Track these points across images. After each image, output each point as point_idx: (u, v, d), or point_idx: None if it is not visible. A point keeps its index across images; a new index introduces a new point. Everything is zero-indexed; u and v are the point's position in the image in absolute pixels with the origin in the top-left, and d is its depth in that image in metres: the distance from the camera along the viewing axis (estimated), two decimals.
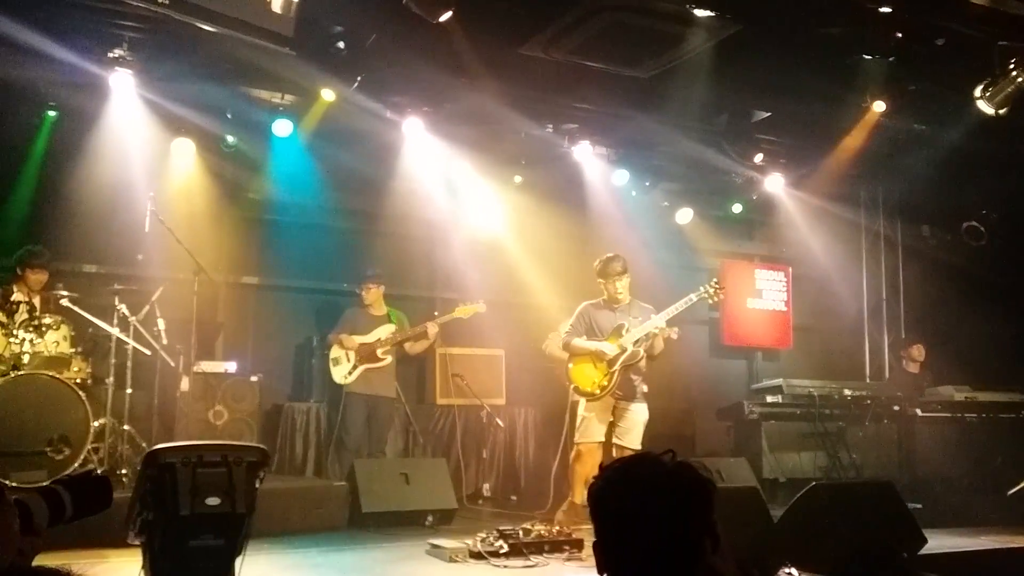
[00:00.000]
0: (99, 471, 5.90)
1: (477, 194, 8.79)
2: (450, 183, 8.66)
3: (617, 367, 6.00)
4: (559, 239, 8.84)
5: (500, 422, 8.27)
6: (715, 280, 6.26)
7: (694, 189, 9.57)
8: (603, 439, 5.99)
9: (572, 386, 6.15)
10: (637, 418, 6.04)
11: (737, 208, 9.95)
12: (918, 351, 9.28)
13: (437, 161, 8.30)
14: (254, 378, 7.68)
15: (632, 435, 6.00)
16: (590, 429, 5.99)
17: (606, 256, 6.17)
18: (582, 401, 6.11)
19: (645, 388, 6.11)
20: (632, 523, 1.78)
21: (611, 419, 6.09)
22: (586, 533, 5.09)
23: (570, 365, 6.21)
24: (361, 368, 7.57)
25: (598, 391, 5.98)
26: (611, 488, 1.83)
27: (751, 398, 8.98)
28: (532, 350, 8.28)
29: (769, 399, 8.77)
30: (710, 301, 6.36)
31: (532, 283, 8.86)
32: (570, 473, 6.19)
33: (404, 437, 8.11)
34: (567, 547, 5.16)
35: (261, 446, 4.03)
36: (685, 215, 9.75)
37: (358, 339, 7.62)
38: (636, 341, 6.00)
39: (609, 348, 6.05)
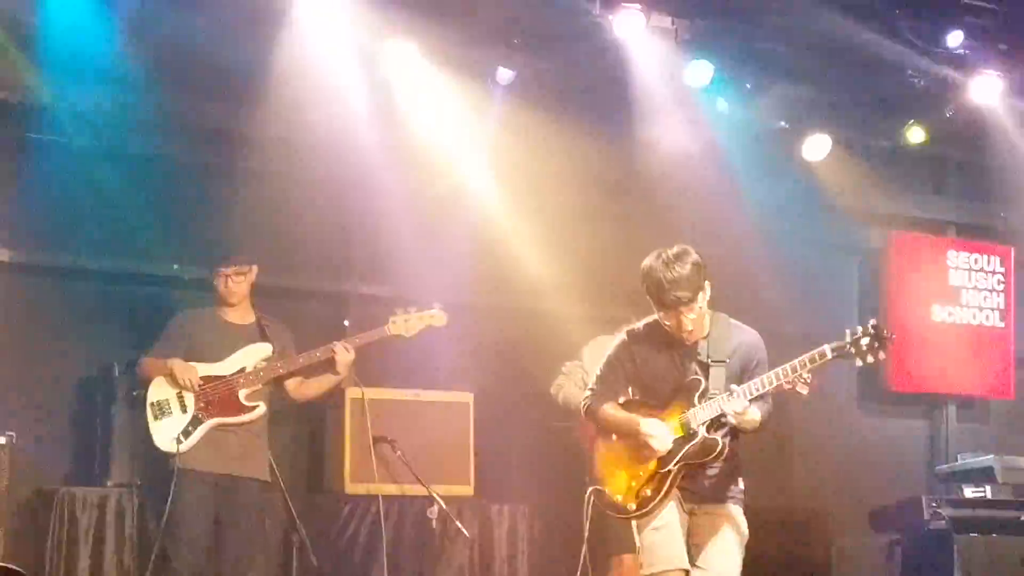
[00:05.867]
0: None
1: (430, 106, 8.46)
2: (380, 85, 8.30)
3: (674, 467, 5.64)
4: (582, 188, 8.75)
5: (464, 529, 7.89)
6: (873, 323, 5.67)
7: (836, 100, 9.12)
8: (686, 566, 5.71)
9: (592, 489, 6.00)
10: (727, 532, 5.75)
11: (917, 136, 9.41)
12: None
13: (354, 42, 7.99)
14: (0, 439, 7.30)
15: (721, 560, 5.71)
16: (662, 552, 5.75)
17: (660, 258, 5.59)
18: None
19: (741, 486, 5.88)
20: None
21: (683, 536, 5.80)
22: None
23: (597, 451, 6.09)
24: (207, 425, 7.13)
25: (633, 505, 5.73)
26: None
27: (935, 489, 9.03)
28: (530, 395, 8.33)
29: (970, 492, 8.67)
30: (860, 362, 5.75)
31: (530, 271, 8.68)
32: None
33: (284, 553, 7.78)
34: None
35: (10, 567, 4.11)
36: (819, 146, 9.22)
37: (203, 369, 7.17)
38: (709, 424, 5.62)
39: (658, 432, 5.66)
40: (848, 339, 5.52)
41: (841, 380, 9.58)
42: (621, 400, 5.91)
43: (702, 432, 5.61)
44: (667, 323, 5.66)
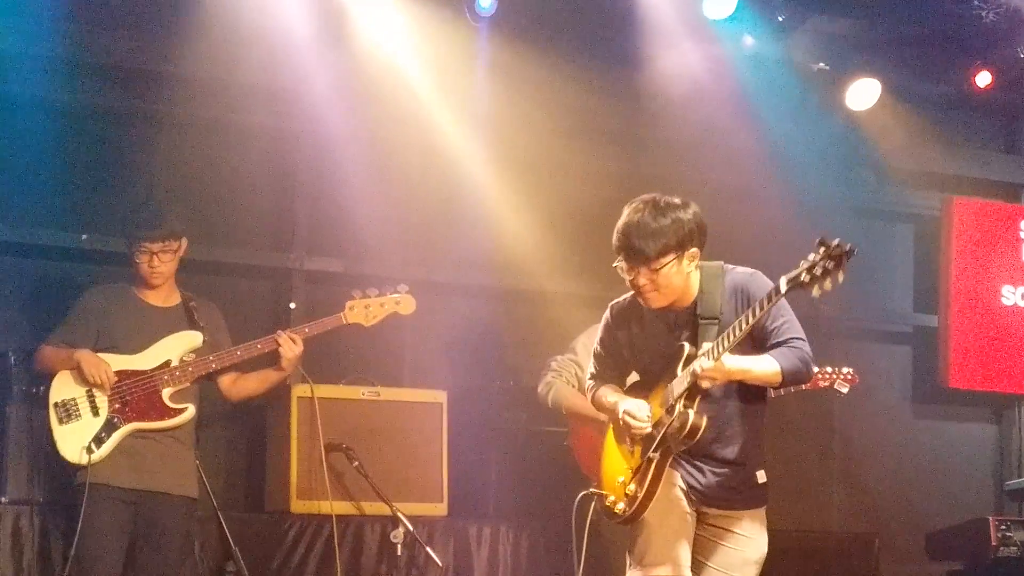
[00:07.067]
0: None
1: (393, 41, 8.46)
2: (333, 15, 8.31)
3: (654, 454, 5.62)
4: (577, 141, 8.88)
5: (435, 556, 7.71)
6: (821, 239, 5.45)
7: (886, 36, 9.27)
8: (683, 573, 5.59)
9: (586, 492, 5.98)
10: (740, 553, 5.68)
11: (984, 81, 9.35)
12: None
13: None
14: None
15: None
16: (654, 549, 5.67)
17: (639, 200, 5.66)
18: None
19: (760, 480, 5.74)
20: None
21: (690, 539, 5.73)
22: None
23: (600, 451, 6.18)
24: (124, 430, 6.99)
25: (623, 505, 5.71)
26: None
27: (1005, 509, 9.37)
28: (515, 394, 8.58)
29: None
30: (818, 291, 5.40)
31: (515, 243, 8.80)
32: None
33: None
34: None
35: None
36: (865, 92, 9.23)
37: (118, 362, 6.99)
38: (688, 395, 5.50)
39: (637, 412, 5.64)
40: (803, 266, 5.21)
41: (891, 375, 9.74)
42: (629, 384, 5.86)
43: (679, 407, 5.47)
44: (625, 278, 5.58)
